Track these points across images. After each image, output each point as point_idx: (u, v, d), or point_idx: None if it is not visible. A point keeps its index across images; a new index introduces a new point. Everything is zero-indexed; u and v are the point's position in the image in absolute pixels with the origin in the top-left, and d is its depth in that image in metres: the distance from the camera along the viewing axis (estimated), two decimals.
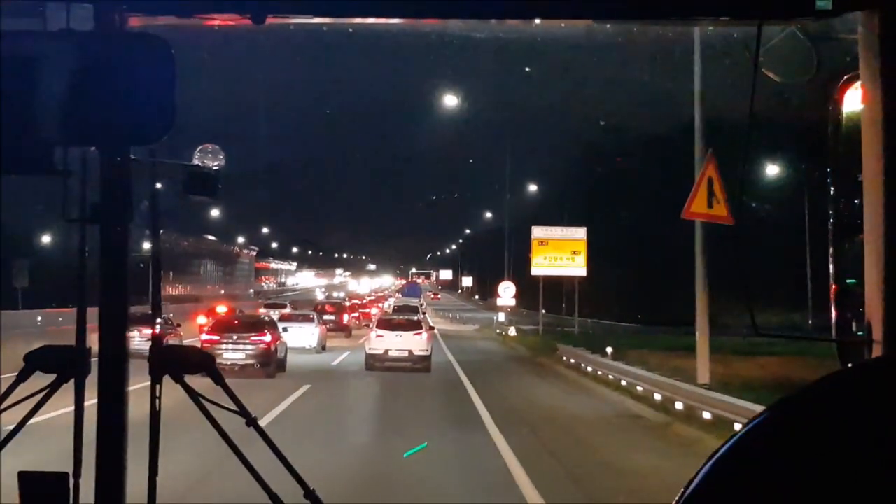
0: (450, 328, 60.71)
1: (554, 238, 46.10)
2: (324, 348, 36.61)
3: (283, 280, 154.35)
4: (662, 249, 49.89)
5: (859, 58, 2.18)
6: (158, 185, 2.31)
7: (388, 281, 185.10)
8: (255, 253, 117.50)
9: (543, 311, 51.45)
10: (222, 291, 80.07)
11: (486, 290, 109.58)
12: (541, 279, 47.56)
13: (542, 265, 46.02)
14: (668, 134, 53.27)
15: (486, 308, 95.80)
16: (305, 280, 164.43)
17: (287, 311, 42.21)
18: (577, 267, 45.56)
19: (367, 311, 62.26)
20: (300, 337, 34.67)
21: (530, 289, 53.89)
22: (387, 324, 30.75)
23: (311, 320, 37.25)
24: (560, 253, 45.71)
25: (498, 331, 51.29)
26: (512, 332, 47.65)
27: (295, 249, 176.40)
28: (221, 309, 32.80)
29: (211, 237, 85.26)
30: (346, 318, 50.40)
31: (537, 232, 46.14)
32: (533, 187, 65.27)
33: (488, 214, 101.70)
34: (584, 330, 48.10)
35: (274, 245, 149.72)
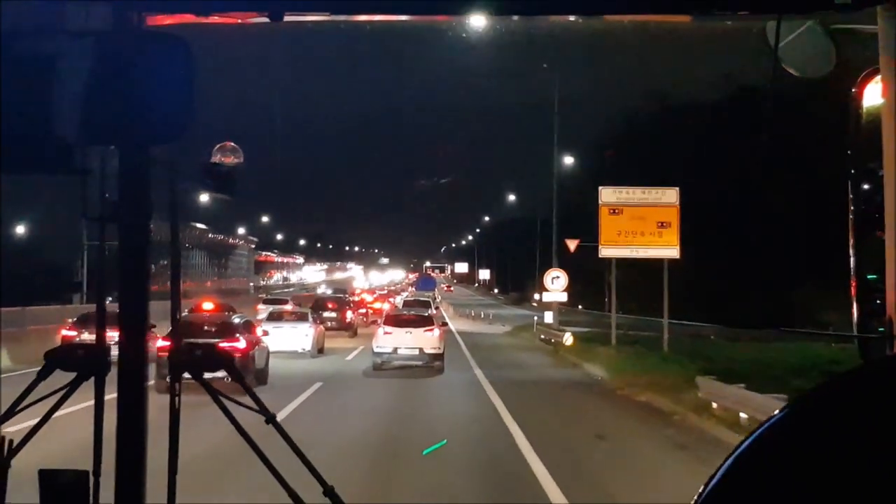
0: (473, 329, 50.92)
1: (631, 203, 33.25)
2: (321, 351, 32.93)
3: (289, 274, 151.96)
4: (727, 227, 44.48)
5: (879, 51, 2.21)
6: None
7: (399, 275, 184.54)
8: (253, 245, 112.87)
9: (580, 307, 42.23)
10: (213, 286, 76.50)
11: (507, 283, 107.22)
12: (612, 263, 34.98)
13: (615, 243, 33.36)
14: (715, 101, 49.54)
15: (509, 303, 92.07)
16: (311, 275, 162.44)
17: (278, 308, 38.03)
18: (665, 245, 32.73)
19: (375, 306, 58.26)
20: (292, 339, 31.10)
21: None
22: (395, 320, 29.20)
23: (306, 319, 33.04)
24: (640, 226, 32.99)
25: (543, 336, 40.32)
26: (568, 339, 35.60)
27: (302, 242, 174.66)
28: (208, 306, 28.87)
29: (201, 225, 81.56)
30: (349, 315, 45.58)
31: (607, 195, 33.52)
32: (569, 160, 54.54)
33: (511, 197, 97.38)
34: (652, 333, 35.60)
35: (279, 237, 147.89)
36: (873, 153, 2.24)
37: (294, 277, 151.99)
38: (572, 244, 40.72)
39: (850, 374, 1.45)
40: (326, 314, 43.02)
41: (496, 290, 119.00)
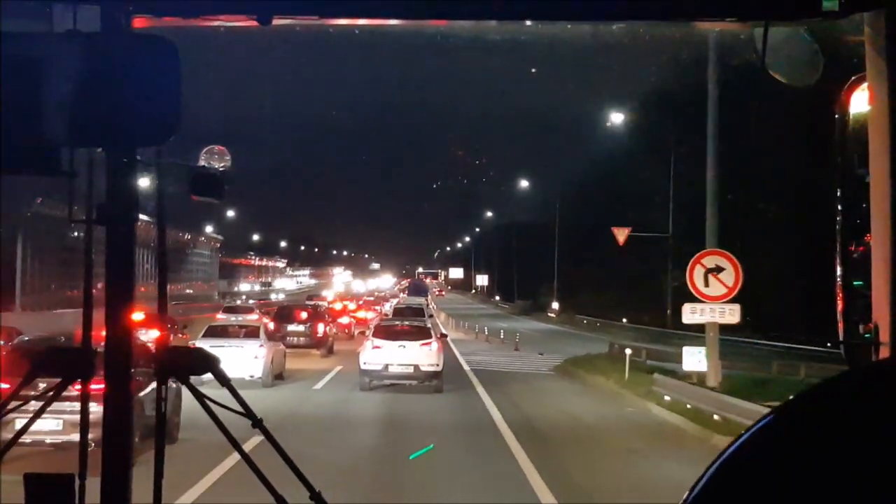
0: (490, 359, 36.34)
1: None
2: (279, 377, 26.99)
3: (269, 279, 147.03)
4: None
5: (866, 59, 2.31)
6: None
7: (389, 281, 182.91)
8: (219, 244, 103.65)
9: (625, 321, 30.13)
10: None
11: (514, 290, 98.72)
12: None
13: None
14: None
15: (516, 313, 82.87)
16: (291, 281, 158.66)
17: (220, 321, 32.03)
18: None
19: (359, 315, 53.14)
20: (237, 362, 24.27)
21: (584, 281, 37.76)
22: (387, 332, 26.56)
23: (256, 335, 26.70)
24: None
25: (668, 396, 21.80)
26: None
27: (283, 244, 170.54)
28: (138, 317, 23.60)
29: (144, 217, 75.76)
30: (321, 328, 37.41)
31: None
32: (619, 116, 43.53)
33: (519, 198, 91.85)
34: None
35: (255, 237, 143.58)
36: (860, 160, 2.34)
37: (278, 283, 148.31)
38: (621, 234, 33.49)
39: (834, 381, 1.52)
40: (292, 327, 36.73)
41: (497, 297, 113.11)
